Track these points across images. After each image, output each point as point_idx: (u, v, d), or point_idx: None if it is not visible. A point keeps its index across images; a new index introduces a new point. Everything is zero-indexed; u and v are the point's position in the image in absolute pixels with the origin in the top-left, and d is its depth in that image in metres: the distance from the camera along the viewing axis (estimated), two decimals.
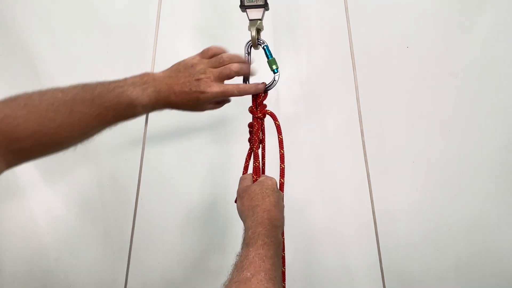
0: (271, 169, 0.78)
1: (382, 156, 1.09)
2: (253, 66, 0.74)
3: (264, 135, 0.77)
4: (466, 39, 1.07)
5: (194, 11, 1.09)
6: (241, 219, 0.69)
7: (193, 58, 0.70)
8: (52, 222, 1.17)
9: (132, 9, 1.08)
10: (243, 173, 0.78)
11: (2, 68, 1.08)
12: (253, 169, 0.75)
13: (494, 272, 1.14)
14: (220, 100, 0.74)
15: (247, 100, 0.76)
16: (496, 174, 1.11)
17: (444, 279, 1.15)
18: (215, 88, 0.67)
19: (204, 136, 1.15)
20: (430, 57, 1.08)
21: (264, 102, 0.76)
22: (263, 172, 0.78)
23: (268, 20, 1.00)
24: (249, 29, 0.76)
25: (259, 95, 0.75)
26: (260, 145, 0.76)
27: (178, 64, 0.70)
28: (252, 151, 0.76)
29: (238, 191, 0.73)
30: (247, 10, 0.76)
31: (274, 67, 0.75)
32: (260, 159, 0.76)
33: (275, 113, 0.76)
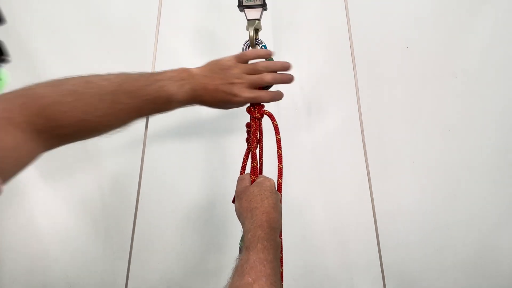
0: (269, 169, 0.78)
1: (382, 156, 1.10)
2: (289, 74, 0.74)
3: (261, 135, 0.76)
4: (466, 39, 1.07)
5: (194, 11, 1.09)
6: (239, 220, 0.69)
7: (228, 60, 0.71)
8: (52, 222, 1.17)
9: (133, 9, 1.08)
10: (241, 173, 0.78)
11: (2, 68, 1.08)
12: (251, 169, 0.75)
13: (493, 272, 1.14)
14: None
15: None
16: (496, 174, 1.11)
17: (444, 279, 1.15)
18: (247, 93, 0.69)
19: (203, 137, 1.15)
20: (430, 57, 1.08)
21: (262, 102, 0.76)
22: (261, 172, 0.78)
23: (268, 20, 1.00)
24: (247, 29, 0.76)
25: None
26: (258, 145, 0.76)
27: (214, 64, 0.70)
28: (249, 151, 0.76)
29: (236, 192, 0.72)
30: (245, 10, 0.76)
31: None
32: (258, 159, 0.76)
33: (274, 114, 0.76)
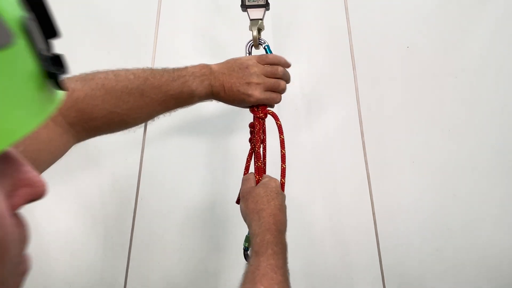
0: (272, 169, 0.78)
1: (382, 156, 1.09)
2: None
3: (265, 135, 0.77)
4: (466, 39, 1.07)
5: (194, 10, 1.09)
6: (245, 222, 0.69)
7: (249, 59, 0.72)
8: (52, 222, 1.17)
9: (133, 10, 1.08)
10: (244, 174, 0.78)
11: None
12: (255, 169, 0.75)
13: (493, 272, 1.14)
14: None
15: None
16: (495, 174, 1.11)
17: (444, 279, 1.15)
18: (261, 95, 0.71)
19: (205, 136, 1.15)
20: (430, 57, 1.08)
21: None
22: (265, 172, 0.77)
23: (268, 20, 1.00)
24: (250, 29, 0.76)
25: None
26: (261, 145, 0.76)
27: (234, 61, 0.71)
28: (253, 151, 0.76)
29: (241, 193, 0.72)
30: (248, 9, 0.76)
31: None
32: (262, 159, 0.76)
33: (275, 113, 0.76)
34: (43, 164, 0.52)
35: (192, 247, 1.18)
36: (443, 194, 1.13)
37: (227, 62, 0.72)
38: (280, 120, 0.75)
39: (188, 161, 1.16)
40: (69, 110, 0.56)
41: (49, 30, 0.25)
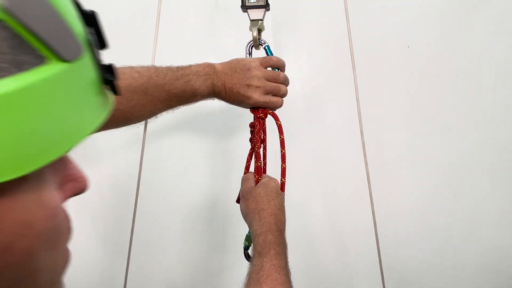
0: (271, 169, 0.78)
1: (382, 156, 1.10)
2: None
3: (265, 135, 0.77)
4: (466, 39, 1.07)
5: (194, 11, 1.09)
6: (245, 221, 0.69)
7: (252, 61, 0.72)
8: None
9: (133, 10, 1.08)
10: (245, 173, 0.78)
11: None
12: (255, 168, 0.75)
13: (493, 272, 1.14)
14: None
15: None
16: (496, 174, 1.11)
17: (444, 279, 1.15)
18: (261, 98, 0.71)
19: (204, 136, 1.15)
20: (431, 57, 1.08)
21: None
22: (265, 172, 0.78)
23: (268, 20, 1.00)
24: (250, 30, 0.76)
25: None
26: (261, 145, 0.77)
27: (237, 62, 0.72)
28: (253, 151, 0.76)
29: (241, 192, 0.72)
30: (249, 10, 0.76)
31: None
32: (262, 159, 0.76)
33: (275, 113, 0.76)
34: None
35: (192, 247, 1.18)
36: (443, 194, 1.13)
37: (231, 62, 0.72)
38: (280, 120, 0.75)
39: (188, 161, 1.16)
40: None
41: (101, 42, 0.29)
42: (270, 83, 0.72)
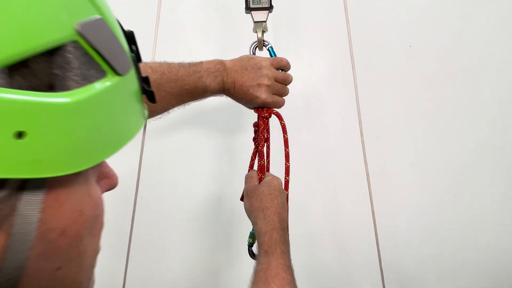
0: (274, 168, 0.78)
1: (382, 156, 1.09)
2: None
3: (269, 134, 0.77)
4: (467, 39, 1.07)
5: (194, 11, 1.09)
6: (249, 218, 0.71)
7: (263, 60, 0.73)
8: None
9: (133, 10, 1.08)
10: (249, 171, 0.78)
11: None
12: (258, 167, 0.75)
13: (494, 272, 1.14)
14: None
15: None
16: (496, 174, 1.11)
17: (444, 279, 1.15)
18: (268, 98, 0.72)
19: (205, 136, 1.15)
20: (431, 57, 1.08)
21: None
22: (268, 170, 0.78)
23: (269, 20, 1.00)
24: (254, 31, 0.77)
25: None
26: (265, 144, 0.77)
27: (247, 60, 0.72)
28: (257, 150, 0.77)
29: (245, 190, 0.73)
30: (252, 12, 0.76)
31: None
32: (265, 157, 0.77)
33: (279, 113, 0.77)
34: None
35: (192, 246, 1.18)
36: (444, 194, 1.13)
37: (241, 59, 0.72)
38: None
39: (188, 160, 1.16)
40: None
41: (138, 57, 0.34)
42: (278, 84, 0.73)
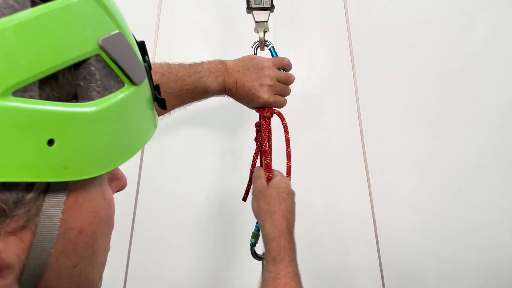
0: (275, 168, 0.78)
1: (382, 156, 1.09)
2: None
3: (271, 133, 0.77)
4: (468, 39, 1.07)
5: (194, 11, 1.09)
6: (257, 220, 0.71)
7: (265, 60, 0.73)
8: None
9: (133, 10, 1.08)
10: (251, 172, 0.78)
11: None
12: (265, 166, 0.75)
13: (494, 272, 1.14)
14: None
15: None
16: (496, 174, 1.11)
17: (444, 279, 1.15)
18: (270, 98, 0.72)
19: (205, 136, 1.15)
20: (431, 57, 1.08)
21: None
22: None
23: (269, 20, 1.00)
24: (256, 31, 0.77)
25: None
26: (268, 143, 0.77)
27: (249, 60, 0.72)
28: (260, 150, 0.77)
29: (253, 191, 0.72)
30: (254, 12, 0.76)
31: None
32: (270, 156, 0.77)
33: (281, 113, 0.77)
34: None
35: (192, 247, 1.18)
36: (443, 194, 1.13)
37: (243, 60, 0.72)
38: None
39: (188, 161, 1.16)
40: None
41: (149, 66, 0.35)
42: (280, 84, 0.73)
